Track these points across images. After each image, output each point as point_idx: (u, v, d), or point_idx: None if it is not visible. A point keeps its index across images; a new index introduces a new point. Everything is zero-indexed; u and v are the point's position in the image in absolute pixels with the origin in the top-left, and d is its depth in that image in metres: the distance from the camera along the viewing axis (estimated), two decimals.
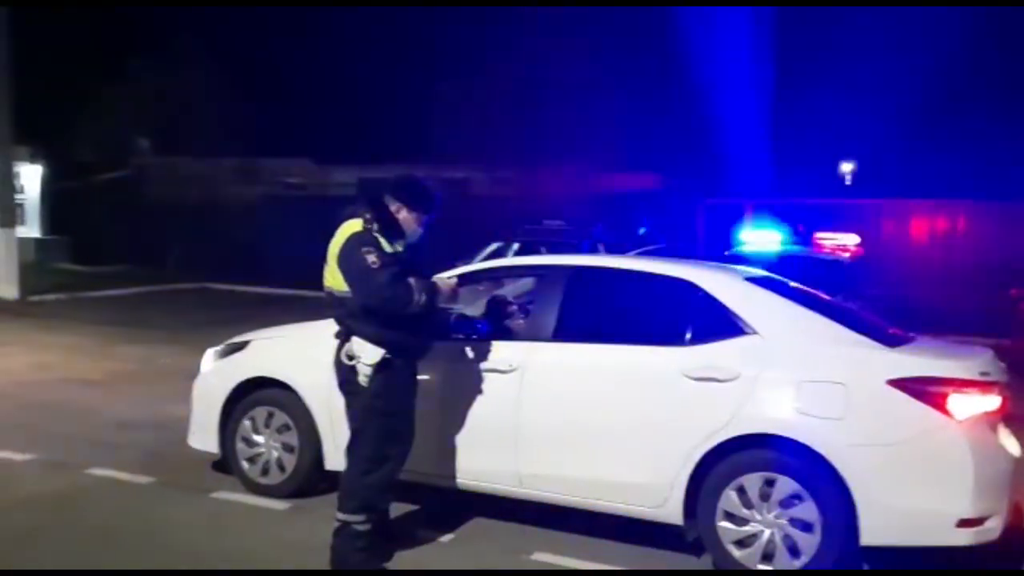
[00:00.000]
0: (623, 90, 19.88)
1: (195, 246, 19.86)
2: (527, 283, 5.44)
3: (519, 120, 20.07)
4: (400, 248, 4.15)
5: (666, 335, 4.41)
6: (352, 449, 4.20)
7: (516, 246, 12.60)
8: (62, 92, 22.81)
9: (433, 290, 4.17)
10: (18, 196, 20.01)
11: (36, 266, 18.13)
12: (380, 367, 4.07)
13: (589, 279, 4.82)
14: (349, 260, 4.05)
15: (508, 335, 4.91)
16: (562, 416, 4.46)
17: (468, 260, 9.26)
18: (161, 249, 20.14)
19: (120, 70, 22.37)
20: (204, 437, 5.37)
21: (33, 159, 21.68)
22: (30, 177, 22.05)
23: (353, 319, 4.10)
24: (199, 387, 5.49)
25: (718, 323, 4.32)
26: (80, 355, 9.78)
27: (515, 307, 5.16)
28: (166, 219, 20.83)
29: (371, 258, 3.98)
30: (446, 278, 4.38)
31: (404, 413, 4.24)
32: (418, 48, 23.17)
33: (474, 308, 5.38)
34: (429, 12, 25.76)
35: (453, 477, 4.69)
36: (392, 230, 4.14)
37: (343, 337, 4.17)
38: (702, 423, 4.15)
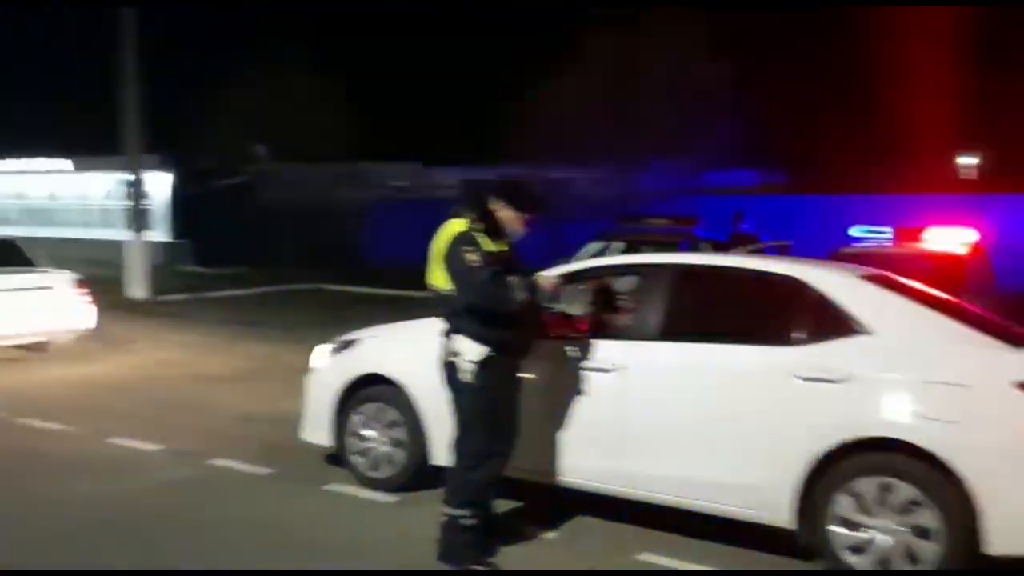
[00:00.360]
0: (722, 85, 19.42)
1: (308, 248, 20.61)
2: (631, 281, 5.41)
3: (623, 119, 19.91)
4: (503, 247, 4.21)
5: (775, 334, 4.31)
6: (458, 445, 4.27)
7: (619, 245, 12.51)
8: (187, 102, 24.06)
9: (534, 288, 4.21)
10: (147, 203, 21.25)
11: (163, 268, 19.19)
12: (483, 364, 4.13)
13: (695, 277, 4.76)
14: (452, 259, 4.13)
15: (612, 334, 4.90)
16: (667, 416, 4.42)
17: (570, 259, 9.26)
18: (277, 251, 20.98)
19: (241, 79, 23.42)
20: (316, 431, 5.57)
21: (161, 167, 22.90)
22: (158, 184, 23.28)
23: (456, 317, 4.18)
24: (311, 383, 5.70)
25: (830, 322, 4.19)
26: (203, 352, 10.31)
27: (619, 305, 5.14)
28: (281, 222, 21.71)
29: (472, 257, 4.06)
30: (548, 276, 4.41)
31: (508, 410, 4.29)
32: (522, 48, 23.28)
33: (577, 306, 5.39)
34: (530, 11, 25.91)
35: (557, 475, 4.71)
36: (495, 230, 4.21)
37: (447, 334, 4.25)
38: (813, 425, 4.04)
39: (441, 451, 4.95)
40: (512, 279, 4.10)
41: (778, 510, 4.12)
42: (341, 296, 16.45)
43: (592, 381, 4.58)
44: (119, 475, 5.58)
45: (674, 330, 4.52)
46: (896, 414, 3.92)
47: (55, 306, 9.43)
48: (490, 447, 4.22)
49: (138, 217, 15.85)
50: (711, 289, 4.79)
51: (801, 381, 4.09)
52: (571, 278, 4.89)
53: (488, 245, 4.14)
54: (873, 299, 4.29)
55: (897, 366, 3.99)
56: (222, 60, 25.51)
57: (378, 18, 30.40)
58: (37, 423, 6.76)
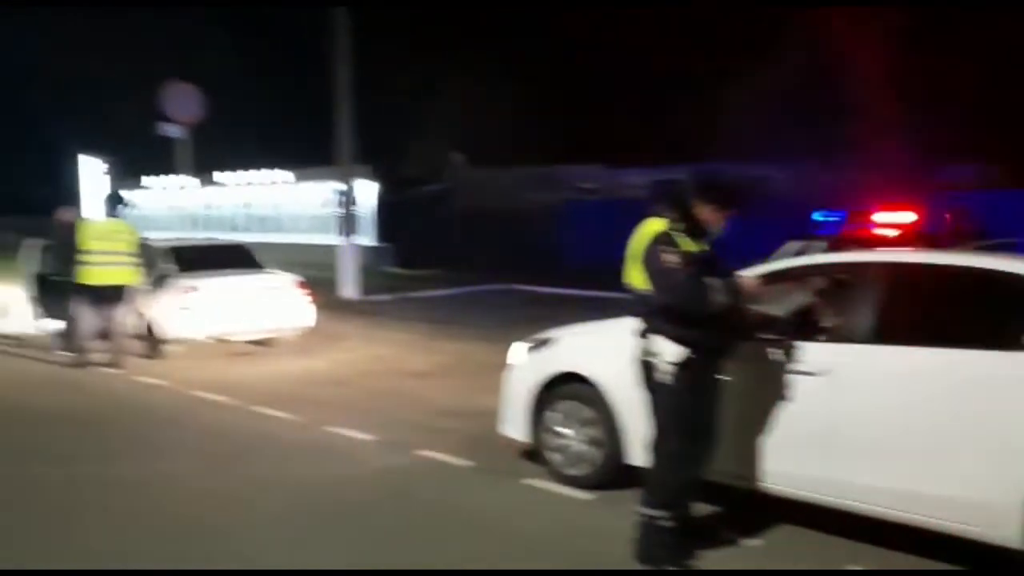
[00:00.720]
0: (935, 77, 18.01)
1: (502, 250, 21.24)
2: (837, 281, 5.18)
3: (821, 112, 18.98)
4: (703, 246, 4.15)
5: (1005, 338, 3.97)
6: (656, 447, 4.25)
7: (820, 244, 11.96)
8: (389, 113, 25.51)
9: (735, 290, 4.13)
10: (356, 210, 22.73)
11: (369, 270, 20.46)
12: (681, 366, 4.09)
13: (912, 276, 4.48)
14: (650, 259, 4.10)
15: (818, 335, 4.73)
16: (880, 423, 4.20)
17: (768, 260, 8.97)
18: (473, 254, 21.80)
19: (439, 90, 24.56)
20: (515, 426, 5.76)
21: (367, 176, 24.43)
22: (366, 192, 24.86)
23: (654, 317, 4.16)
24: (509, 380, 5.90)
25: None
26: (408, 349, 10.93)
27: (824, 306, 4.94)
28: (477, 226, 22.54)
29: (670, 258, 4.02)
30: (750, 277, 4.32)
31: (707, 412, 4.25)
32: (705, 44, 22.79)
33: (780, 307, 5.24)
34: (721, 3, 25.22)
35: (760, 481, 4.60)
36: (694, 228, 4.14)
37: (644, 335, 4.24)
38: None
39: (637, 451, 4.98)
40: (711, 281, 4.04)
41: (1006, 529, 3.81)
42: (532, 296, 16.82)
43: (798, 385, 4.43)
44: (336, 461, 6.05)
45: (891, 332, 4.27)
46: None
47: (282, 305, 10.36)
48: (688, 449, 4.19)
49: (349, 223, 17.00)
50: (933, 289, 4.45)
51: None
52: (773, 278, 4.76)
53: (687, 245, 4.09)
54: None
55: None
56: (421, 73, 26.82)
57: (567, 20, 30.73)
58: (266, 411, 7.46)
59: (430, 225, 23.85)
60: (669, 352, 4.11)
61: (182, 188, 16.91)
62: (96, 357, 9.52)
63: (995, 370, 3.93)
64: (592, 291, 15.68)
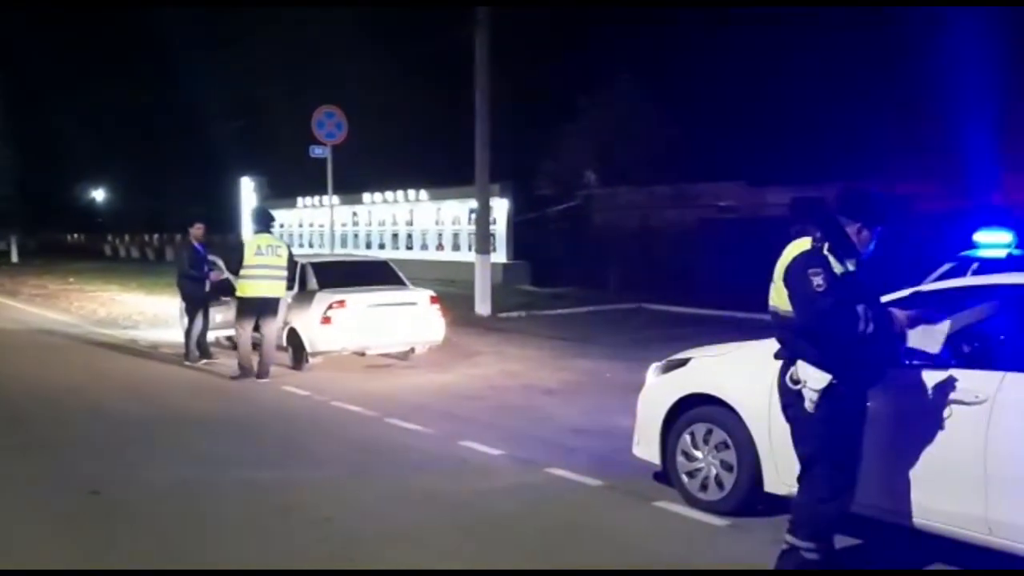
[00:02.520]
0: None
1: (634, 269, 21.08)
2: (993, 305, 4.86)
3: (980, 121, 17.79)
4: (851, 267, 3.97)
5: None
6: (805, 476, 4.10)
7: (975, 265, 11.22)
8: (527, 133, 25.89)
9: (886, 320, 3.93)
10: (490, 227, 23.15)
11: (502, 287, 20.75)
12: (826, 393, 3.92)
13: None
14: (795, 281, 3.94)
15: (973, 363, 4.45)
16: None
17: (918, 282, 8.50)
18: (604, 272, 21.73)
19: (575, 109, 24.72)
20: (647, 448, 5.69)
21: (502, 194, 24.85)
22: (499, 210, 25.28)
23: (798, 341, 4.01)
24: (643, 400, 5.84)
25: None
26: (538, 365, 11.01)
27: (981, 331, 4.64)
28: (608, 244, 22.47)
29: (817, 280, 3.83)
30: (903, 312, 4.07)
31: (853, 441, 4.06)
32: (850, 60, 21.87)
33: (933, 332, 4.96)
34: (864, 22, 24.19)
35: (908, 515, 4.35)
36: (843, 248, 3.97)
37: (787, 359, 4.09)
38: None
39: (774, 478, 4.84)
40: (861, 308, 3.83)
41: None
42: (664, 315, 16.60)
43: (951, 414, 4.17)
44: (470, 475, 6.15)
45: None
46: None
47: (418, 319, 10.67)
48: (837, 481, 4.01)
49: (483, 241, 17.31)
50: None
51: None
52: (924, 301, 4.52)
53: (836, 266, 3.91)
54: None
55: None
56: (558, 89, 27.07)
57: (702, 37, 30.31)
58: (402, 423, 7.69)
59: (563, 243, 23.97)
60: (813, 378, 3.94)
61: (326, 207, 17.85)
62: (231, 365, 10.09)
63: None
64: (727, 311, 15.32)
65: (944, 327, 4.35)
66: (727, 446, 5.17)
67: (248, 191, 33.29)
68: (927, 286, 4.92)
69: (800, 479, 4.11)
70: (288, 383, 9.62)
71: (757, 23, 28.65)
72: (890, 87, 19.44)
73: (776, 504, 4.93)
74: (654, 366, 5.92)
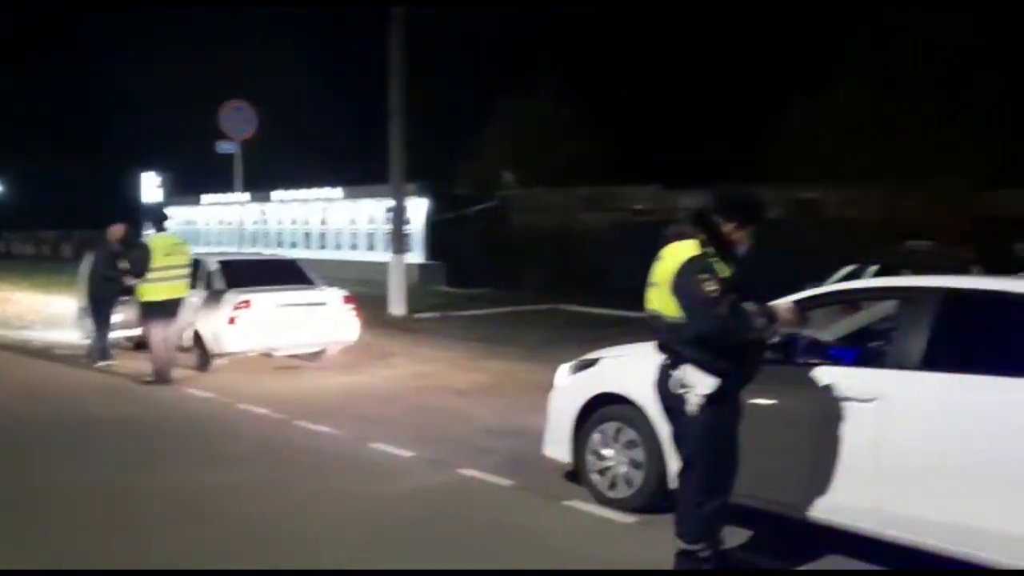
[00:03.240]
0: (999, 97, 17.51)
1: (550, 270, 21.23)
2: (887, 306, 5.06)
3: (874, 134, 18.61)
4: (734, 271, 3.99)
5: None
6: (685, 480, 4.14)
7: (874, 268, 11.73)
8: (444, 133, 25.79)
9: (773, 316, 3.99)
10: (406, 227, 22.92)
11: (418, 288, 20.59)
12: (712, 397, 3.93)
13: (967, 302, 4.33)
14: (685, 288, 3.89)
15: (867, 362, 4.62)
16: (931, 453, 4.06)
17: (819, 283, 8.82)
18: (521, 273, 21.82)
19: (492, 110, 24.75)
20: (558, 447, 5.72)
21: (419, 194, 24.68)
22: (416, 210, 25.10)
23: (685, 346, 3.97)
24: (554, 400, 5.86)
25: None
26: (453, 367, 10.95)
27: (874, 332, 4.83)
28: (525, 246, 22.57)
29: (709, 287, 3.80)
30: (785, 303, 4.14)
31: (732, 441, 4.11)
32: (764, 65, 22.61)
33: (829, 332, 5.13)
34: (778, 28, 25.04)
35: (804, 509, 4.49)
36: (726, 251, 3.97)
37: (671, 364, 4.07)
38: None
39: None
40: (750, 307, 3.88)
41: None
42: (580, 317, 16.75)
43: (846, 411, 4.31)
44: (380, 477, 6.05)
45: (942, 359, 4.15)
46: None
47: (328, 320, 10.48)
48: (718, 481, 4.07)
49: (399, 241, 17.14)
50: (990, 316, 4.31)
51: None
52: (822, 301, 4.66)
53: (723, 270, 3.90)
54: None
55: None
56: (476, 90, 27.06)
57: (622, 42, 30.79)
58: (311, 425, 7.52)
59: (480, 244, 23.96)
60: (702, 384, 3.92)
61: (235, 204, 17.29)
62: (143, 368, 9.73)
63: None
64: (638, 312, 15.53)
65: (840, 324, 4.52)
66: (635, 444, 5.23)
67: (151, 187, 32.17)
68: (828, 287, 5.07)
69: (680, 480, 4.15)
70: (192, 386, 9.31)
71: (668, 30, 29.30)
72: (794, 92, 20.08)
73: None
74: (564, 367, 5.94)
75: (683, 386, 4.00)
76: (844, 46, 19.45)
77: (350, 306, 10.65)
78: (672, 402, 4.10)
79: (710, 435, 4.01)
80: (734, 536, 4.71)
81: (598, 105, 25.24)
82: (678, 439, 4.16)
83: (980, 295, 4.41)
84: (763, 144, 20.03)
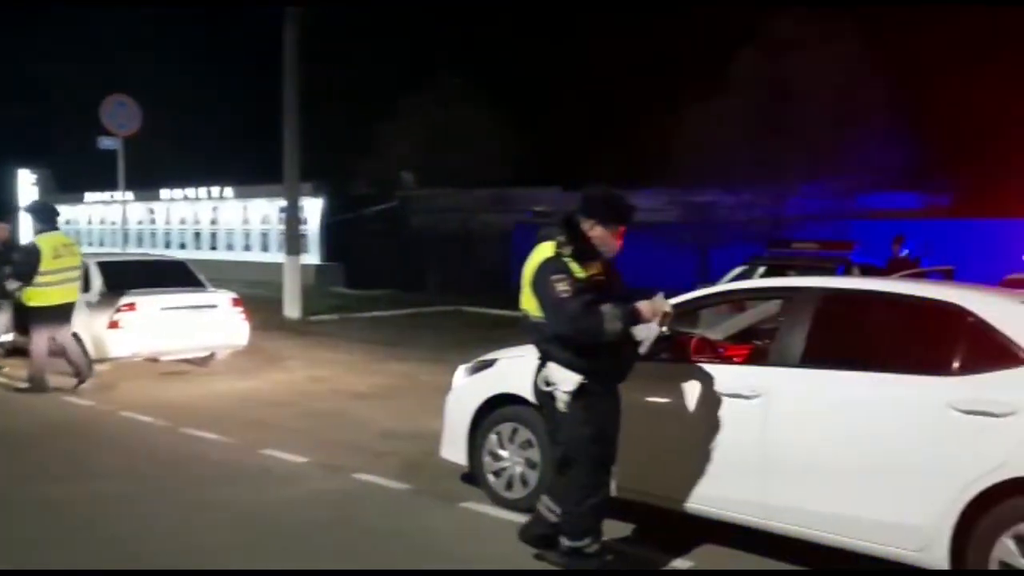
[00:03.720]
0: (883, 101, 18.47)
1: (452, 271, 21.15)
2: (772, 306, 5.24)
3: (768, 138, 19.33)
4: (597, 270, 4.02)
5: (930, 363, 4.05)
6: (565, 477, 4.17)
7: (762, 269, 12.16)
8: (342, 132, 25.35)
9: (632, 316, 3.99)
10: (301, 227, 22.41)
11: (315, 290, 20.17)
12: (577, 394, 3.99)
13: (843, 302, 4.54)
14: (541, 288, 3.97)
15: (753, 359, 4.76)
16: (812, 446, 4.22)
17: (713, 284, 9.08)
18: (422, 274, 21.66)
19: (392, 110, 24.46)
20: (455, 449, 5.67)
21: (315, 193, 24.18)
22: (312, 209, 24.59)
23: (549, 345, 4.03)
24: (451, 402, 5.82)
25: (992, 351, 3.89)
26: (350, 370, 10.75)
27: (761, 331, 4.98)
28: (427, 246, 22.41)
29: (561, 287, 3.88)
30: (651, 301, 4.12)
31: (609, 439, 4.15)
32: (661, 70, 23.16)
33: (717, 331, 5.27)
34: (670, 33, 25.70)
35: (692, 502, 4.60)
36: (585, 251, 4.01)
37: (541, 362, 4.13)
38: (973, 461, 3.75)
39: None
40: (606, 308, 3.90)
41: (932, 551, 3.84)
42: (482, 318, 16.74)
43: (732, 407, 4.44)
44: (271, 484, 5.87)
45: (821, 357, 4.32)
46: None
47: (218, 323, 10.11)
48: (598, 478, 4.11)
49: (293, 241, 16.74)
50: (862, 314, 4.55)
51: (960, 414, 3.82)
52: (710, 301, 4.78)
53: (578, 271, 3.95)
54: None
55: None
56: (375, 89, 26.72)
57: (528, 44, 31.02)
58: (198, 432, 7.24)
59: (381, 245, 23.67)
60: (564, 381, 3.98)
61: (120, 203, 16.43)
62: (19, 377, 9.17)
63: (918, 395, 3.99)
64: None
65: (728, 324, 4.65)
66: (531, 444, 5.24)
67: (27, 184, 30.45)
68: (715, 287, 5.20)
69: (560, 478, 4.17)
70: (72, 393, 8.81)
71: (567, 33, 29.67)
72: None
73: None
74: (462, 368, 5.91)
75: (548, 384, 4.06)
76: (738, 55, 20.12)
77: (239, 308, 10.30)
78: (544, 400, 4.16)
79: (583, 432, 4.03)
80: (615, 530, 4.78)
81: (499, 106, 25.29)
82: (552, 436, 4.22)
83: (852, 295, 4.61)
84: (662, 148, 20.49)
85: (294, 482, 5.94)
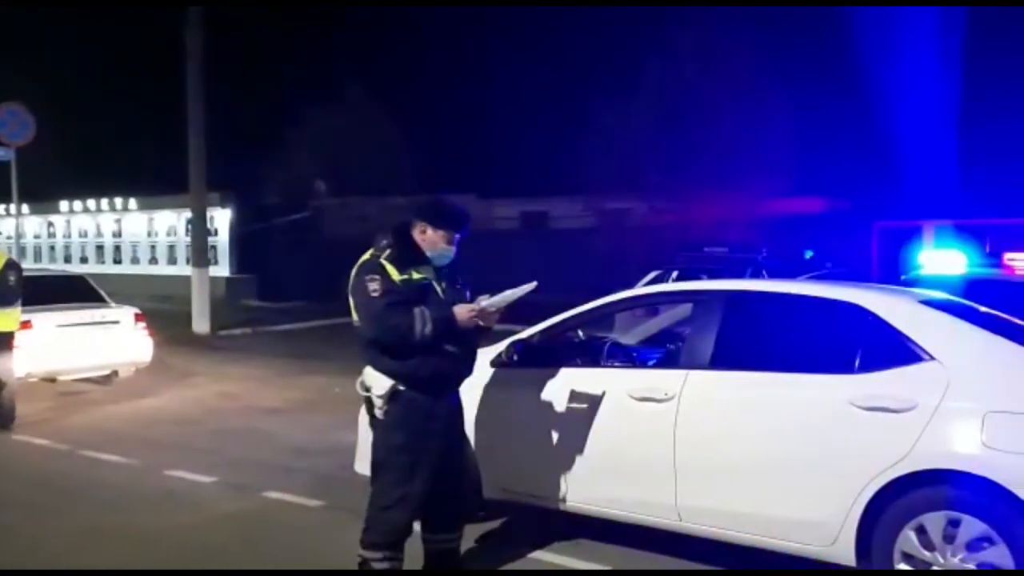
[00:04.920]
0: (789, 109, 19.13)
1: None
2: (684, 310, 5.30)
3: (679, 147, 19.78)
4: (421, 274, 3.90)
5: (833, 362, 4.15)
6: (373, 483, 4.01)
7: (675, 273, 12.38)
8: (250, 141, 24.74)
9: (447, 320, 3.82)
10: (211, 239, 21.76)
11: (225, 303, 19.60)
12: (391, 399, 3.86)
13: (748, 304, 4.60)
14: (353, 290, 3.90)
15: (664, 362, 4.80)
16: (722, 447, 4.27)
17: (628, 289, 9.14)
18: (337, 285, 21.24)
19: (302, 118, 24.00)
20: (366, 463, 5.52)
21: (223, 204, 23.53)
22: (221, 220, 23.92)
23: (366, 349, 3.93)
24: (362, 414, 5.68)
25: (891, 349, 4.01)
26: (262, 385, 10.45)
27: (674, 334, 5.03)
28: (340, 256, 21.99)
29: (372, 287, 3.80)
30: (469, 307, 3.91)
31: (425, 451, 3.92)
32: (578, 78, 23.45)
33: (630, 335, 5.29)
34: (585, 41, 26.05)
35: (605, 507, 4.59)
36: (408, 255, 3.91)
37: (363, 368, 3.99)
38: (875, 457, 3.85)
39: (492, 484, 4.90)
40: (417, 310, 3.78)
41: (838, 546, 3.93)
42: None
43: (645, 410, 4.44)
44: (176, 507, 5.63)
45: (728, 359, 4.37)
46: (963, 445, 3.71)
47: (121, 340, 9.68)
48: (403, 490, 3.88)
49: (201, 253, 16.22)
50: (766, 316, 4.64)
51: (862, 411, 3.91)
52: (621, 307, 4.77)
53: (395, 273, 3.84)
54: (936, 325, 4.10)
55: (964, 395, 3.78)
56: (284, 97, 26.21)
57: (436, 51, 30.92)
58: (97, 455, 6.90)
59: (293, 255, 23.16)
60: (378, 384, 3.87)
61: (14, 216, 15.49)
62: None
63: (822, 393, 4.07)
64: None
65: (640, 326, 4.67)
66: None
67: None
68: (624, 293, 5.22)
69: (371, 482, 4.04)
70: None
71: (480, 38, 29.70)
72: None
73: (499, 509, 5.06)
74: None
75: (364, 388, 3.96)
76: (645, 63, 20.53)
77: (142, 324, 9.89)
78: (366, 405, 4.05)
79: (393, 439, 3.89)
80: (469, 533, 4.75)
81: (410, 114, 25.14)
82: (372, 442, 4.06)
83: (757, 296, 4.70)
84: (574, 156, 20.73)
85: (199, 504, 5.71)
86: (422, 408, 3.92)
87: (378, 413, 3.92)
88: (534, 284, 4.08)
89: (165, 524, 5.27)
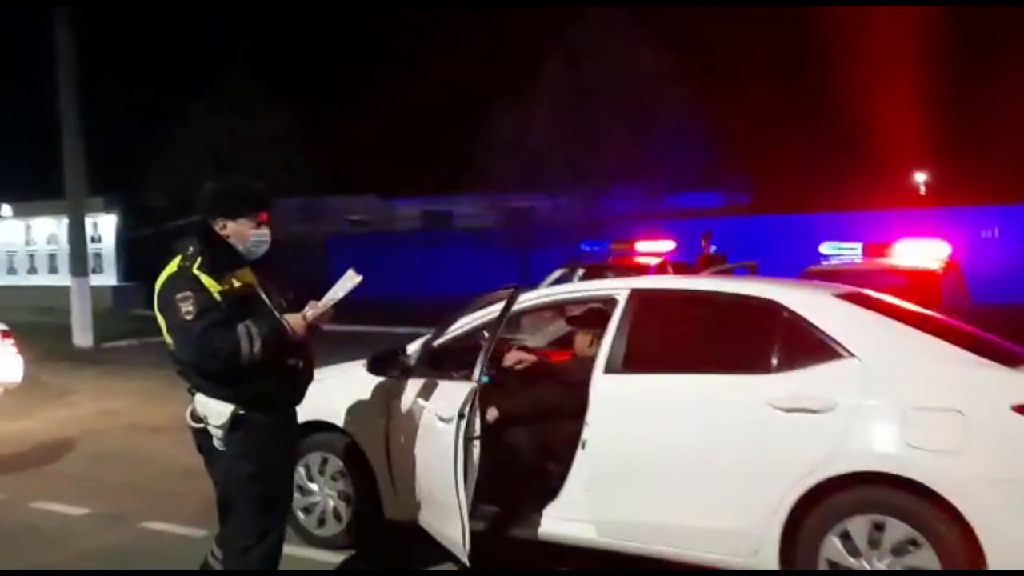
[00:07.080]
0: (682, 106, 19.35)
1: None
2: (595, 309, 5.03)
3: (582, 144, 19.78)
4: (239, 283, 3.41)
5: (748, 361, 3.94)
6: (225, 524, 3.51)
7: (581, 271, 12.24)
8: (132, 142, 23.52)
9: (278, 332, 3.39)
10: (95, 246, 20.56)
11: (112, 313, 18.51)
12: (233, 426, 3.35)
13: (657, 302, 4.36)
14: (164, 310, 3.34)
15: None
16: (638, 456, 4.01)
17: (536, 287, 8.90)
18: None
19: (186, 117, 22.95)
20: None
21: (108, 208, 22.30)
22: (106, 226, 22.66)
23: (190, 374, 3.41)
24: None
25: (808, 346, 3.82)
26: (148, 400, 9.75)
27: (579, 335, 4.77)
28: None
29: (185, 308, 3.24)
30: (300, 314, 3.54)
31: (279, 477, 3.55)
32: (480, 76, 23.20)
33: (539, 338, 5.03)
34: (485, 40, 25.83)
35: (530, 527, 4.24)
36: (221, 259, 3.39)
37: (191, 394, 3.46)
38: (796, 460, 3.65)
39: (394, 504, 4.56)
40: (242, 328, 3.29)
41: (763, 555, 3.72)
42: None
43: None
44: (35, 545, 5.06)
45: (637, 360, 4.12)
46: (885, 445, 3.56)
47: None
48: (264, 524, 3.43)
49: (80, 262, 15.22)
50: (676, 314, 4.42)
51: (781, 412, 3.72)
52: (527, 310, 4.50)
53: (213, 285, 3.32)
54: (852, 320, 3.95)
55: (884, 392, 3.63)
56: (172, 97, 25.05)
57: (334, 49, 30.15)
58: None
59: None
60: (215, 413, 3.34)
61: None
62: None
63: (739, 394, 3.87)
64: (360, 327, 15.05)
65: (548, 330, 4.39)
66: (344, 475, 4.78)
67: None
68: (531, 295, 4.92)
69: (221, 524, 3.55)
70: None
71: (376, 34, 29.09)
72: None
73: (401, 530, 4.66)
74: None
75: (196, 420, 3.44)
76: (543, 61, 20.44)
77: (10, 341, 9.03)
78: (198, 437, 3.51)
79: (242, 469, 3.38)
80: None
81: (303, 112, 24.36)
82: (213, 478, 3.55)
83: (668, 295, 4.49)
84: (476, 154, 20.49)
85: (67, 540, 5.14)
86: (269, 430, 3.44)
87: (217, 444, 3.38)
88: (359, 278, 3.72)
89: (23, 564, 4.71)
